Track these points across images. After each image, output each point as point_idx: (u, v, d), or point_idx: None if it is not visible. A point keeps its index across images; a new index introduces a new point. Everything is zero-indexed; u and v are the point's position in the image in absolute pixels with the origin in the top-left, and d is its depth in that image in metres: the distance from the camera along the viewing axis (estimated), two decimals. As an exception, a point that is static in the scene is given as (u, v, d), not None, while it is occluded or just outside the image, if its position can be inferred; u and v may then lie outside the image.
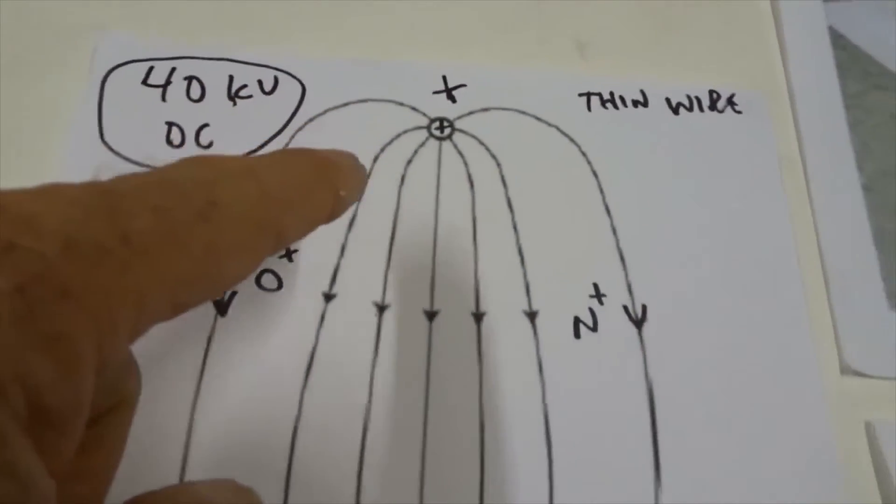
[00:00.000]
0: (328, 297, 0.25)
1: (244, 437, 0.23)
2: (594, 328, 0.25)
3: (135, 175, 0.13)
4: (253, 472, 0.22)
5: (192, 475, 0.22)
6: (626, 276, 0.26)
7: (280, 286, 0.25)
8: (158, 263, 0.12)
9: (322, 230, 0.24)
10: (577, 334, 0.25)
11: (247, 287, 0.25)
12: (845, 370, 0.25)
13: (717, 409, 0.24)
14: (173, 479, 0.22)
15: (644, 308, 0.26)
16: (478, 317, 0.25)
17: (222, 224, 0.13)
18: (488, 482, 0.23)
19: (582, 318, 0.25)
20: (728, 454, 0.24)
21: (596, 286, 0.26)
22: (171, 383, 0.23)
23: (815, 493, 0.23)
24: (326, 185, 0.17)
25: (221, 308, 0.24)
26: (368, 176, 0.27)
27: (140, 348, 0.23)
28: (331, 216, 0.17)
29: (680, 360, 0.25)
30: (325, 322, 0.25)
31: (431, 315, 0.25)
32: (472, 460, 0.23)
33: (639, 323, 0.26)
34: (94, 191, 0.12)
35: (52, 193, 0.12)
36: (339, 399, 0.24)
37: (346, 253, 0.26)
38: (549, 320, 0.25)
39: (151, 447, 0.22)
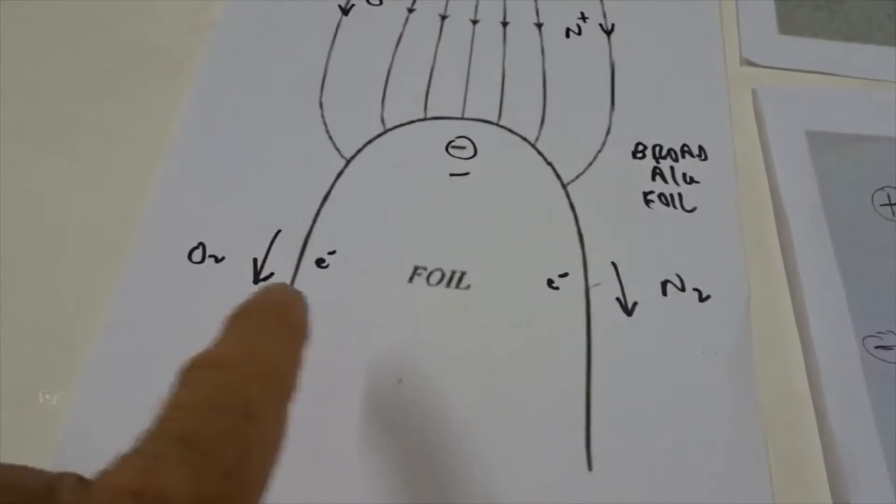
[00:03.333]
0: (410, 10, 0.37)
1: (353, 70, 0.34)
2: (579, 33, 0.36)
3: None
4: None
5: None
6: (603, 7, 0.37)
7: (381, 3, 0.37)
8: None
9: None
10: (567, 35, 0.36)
11: (360, 3, 0.37)
12: (743, 62, 0.36)
13: (656, 79, 0.35)
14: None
15: (613, 25, 0.37)
16: (504, 24, 0.36)
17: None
18: (505, 110, 0.34)
19: (572, 28, 0.36)
20: (663, 99, 0.34)
21: (582, 13, 0.37)
22: (309, 49, 0.35)
23: (707, 133, 0.33)
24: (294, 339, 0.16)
25: (345, 11, 0.36)
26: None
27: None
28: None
29: (636, 52, 0.36)
30: (408, 25, 0.36)
31: (475, 22, 0.36)
32: (496, 98, 0.34)
33: (609, 33, 0.36)
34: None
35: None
36: (413, 60, 0.35)
37: (423, -13, 0.37)
38: (551, 29, 0.36)
39: (293, 82, 0.34)
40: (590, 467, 0.25)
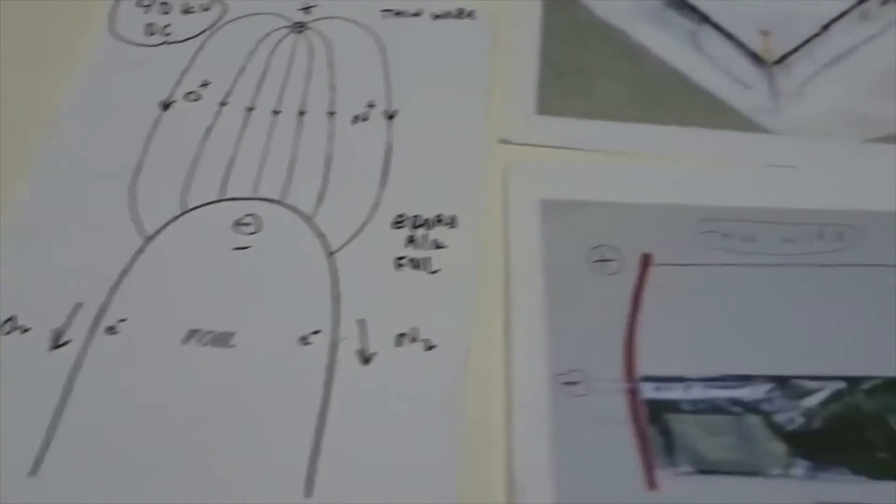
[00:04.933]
0: (223, 104, 0.43)
1: (165, 159, 0.40)
2: (366, 119, 0.42)
3: None
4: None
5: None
6: (388, 95, 0.43)
7: (198, 99, 0.43)
8: None
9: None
10: (355, 122, 0.42)
11: (180, 101, 0.43)
12: (502, 141, 0.42)
13: (425, 159, 0.41)
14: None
15: (395, 111, 0.43)
16: (302, 113, 0.42)
17: None
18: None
19: (360, 114, 0.42)
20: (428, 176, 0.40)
21: (371, 101, 0.43)
22: (127, 141, 0.41)
23: (461, 205, 0.39)
24: None
25: (166, 107, 0.42)
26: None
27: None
28: None
29: (411, 135, 0.42)
30: (219, 118, 0.42)
31: (277, 112, 0.42)
32: (284, 180, 0.40)
33: (391, 118, 0.42)
34: None
35: None
36: (219, 148, 0.41)
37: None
38: (341, 116, 0.42)
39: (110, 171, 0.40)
40: (309, 495, 0.30)
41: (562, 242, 0.37)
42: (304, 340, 0.34)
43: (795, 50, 0.46)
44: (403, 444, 0.31)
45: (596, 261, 0.37)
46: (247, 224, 0.38)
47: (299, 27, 0.46)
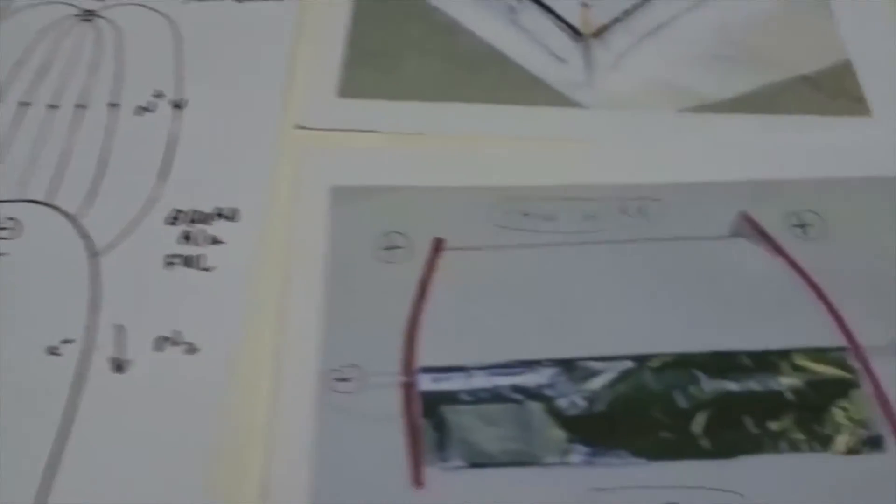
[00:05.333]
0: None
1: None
2: (151, 110, 0.39)
3: None
4: None
5: None
6: (178, 84, 0.41)
7: None
8: None
9: None
10: (139, 113, 0.39)
11: None
12: (298, 126, 0.39)
13: (212, 149, 0.38)
14: None
15: (185, 101, 0.40)
16: (81, 107, 0.39)
17: None
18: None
19: (145, 105, 0.40)
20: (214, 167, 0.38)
21: (159, 90, 0.40)
22: None
23: (245, 197, 0.36)
24: None
25: None
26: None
27: None
28: None
29: (200, 125, 0.39)
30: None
31: (54, 107, 0.39)
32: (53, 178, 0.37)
33: (180, 108, 0.40)
34: None
35: None
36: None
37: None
38: (124, 108, 0.40)
39: None
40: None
41: (350, 231, 0.35)
42: (52, 350, 0.31)
43: (615, 22, 0.45)
44: (155, 451, 0.29)
45: (385, 248, 0.35)
46: (3, 228, 0.35)
47: (88, 15, 0.43)
